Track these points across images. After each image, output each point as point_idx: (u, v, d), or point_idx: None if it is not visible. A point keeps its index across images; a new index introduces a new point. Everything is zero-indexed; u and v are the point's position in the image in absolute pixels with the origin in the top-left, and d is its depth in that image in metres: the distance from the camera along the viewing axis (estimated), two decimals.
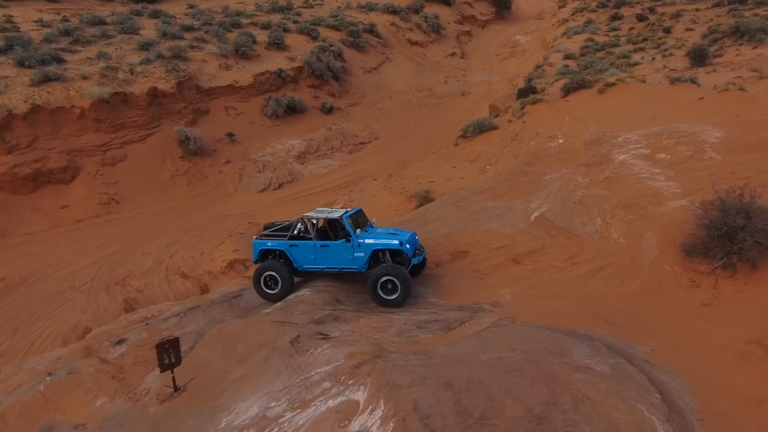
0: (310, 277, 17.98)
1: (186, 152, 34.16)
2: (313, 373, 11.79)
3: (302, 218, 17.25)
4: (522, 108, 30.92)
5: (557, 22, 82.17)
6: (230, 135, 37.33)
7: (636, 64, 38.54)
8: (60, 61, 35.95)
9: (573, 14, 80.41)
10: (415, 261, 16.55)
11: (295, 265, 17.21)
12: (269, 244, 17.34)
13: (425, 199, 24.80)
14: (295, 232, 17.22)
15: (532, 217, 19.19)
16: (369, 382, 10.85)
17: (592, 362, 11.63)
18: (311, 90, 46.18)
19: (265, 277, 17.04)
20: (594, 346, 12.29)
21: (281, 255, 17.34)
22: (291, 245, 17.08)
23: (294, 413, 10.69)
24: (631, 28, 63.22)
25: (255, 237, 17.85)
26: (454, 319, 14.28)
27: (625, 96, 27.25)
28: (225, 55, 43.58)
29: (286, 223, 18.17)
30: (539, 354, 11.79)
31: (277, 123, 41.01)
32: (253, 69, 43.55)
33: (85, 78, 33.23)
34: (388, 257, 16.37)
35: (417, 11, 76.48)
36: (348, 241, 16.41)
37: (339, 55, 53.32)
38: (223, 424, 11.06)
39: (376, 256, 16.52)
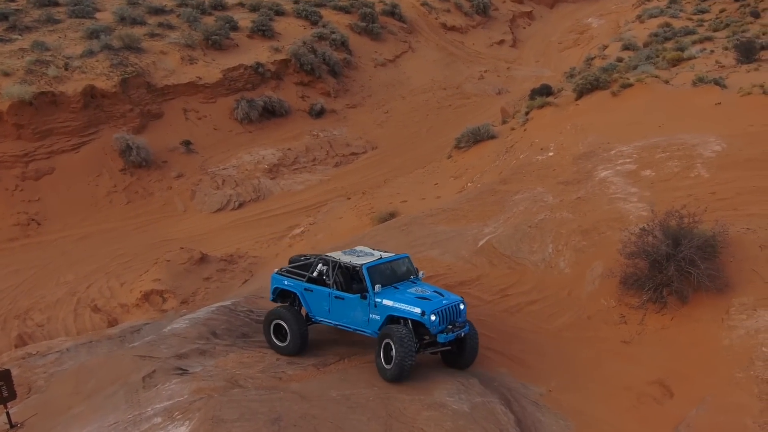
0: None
1: (128, 164, 37.17)
2: (149, 409, 14.07)
3: (323, 258, 17.05)
4: (527, 113, 32.94)
5: (638, 1, 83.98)
6: (186, 143, 40.29)
7: (691, 58, 40.14)
8: None
9: None
10: (441, 339, 15.16)
11: (309, 313, 17.01)
12: (285, 282, 17.30)
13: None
14: (314, 273, 16.95)
15: (479, 244, 21.21)
16: (196, 417, 13.10)
17: (452, 400, 13.74)
18: (299, 88, 49.07)
19: (275, 325, 16.79)
20: (466, 384, 14.33)
21: (297, 298, 17.26)
22: (306, 289, 16.90)
23: None
24: (722, 10, 64.66)
25: (276, 271, 17.85)
26: (335, 355, 16.44)
27: (640, 99, 29.06)
28: (191, 45, 46.91)
29: (313, 258, 17.80)
30: (396, 390, 13.92)
31: (250, 129, 43.92)
32: (226, 62, 46.71)
33: (6, 75, 36.50)
34: (410, 326, 15.25)
35: None
36: (363, 297, 15.85)
37: (342, 45, 56.26)
38: None
39: (396, 322, 15.45)
